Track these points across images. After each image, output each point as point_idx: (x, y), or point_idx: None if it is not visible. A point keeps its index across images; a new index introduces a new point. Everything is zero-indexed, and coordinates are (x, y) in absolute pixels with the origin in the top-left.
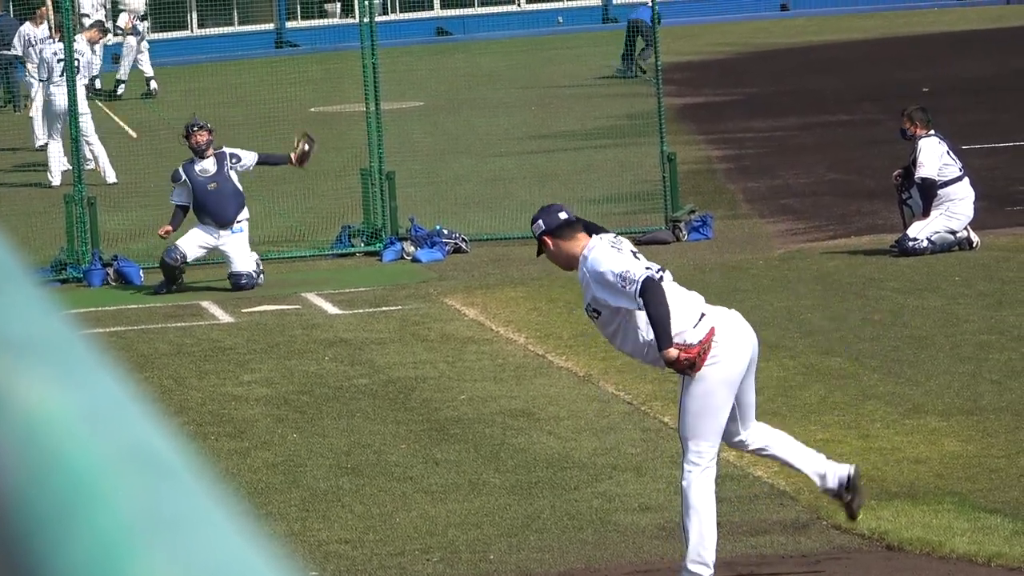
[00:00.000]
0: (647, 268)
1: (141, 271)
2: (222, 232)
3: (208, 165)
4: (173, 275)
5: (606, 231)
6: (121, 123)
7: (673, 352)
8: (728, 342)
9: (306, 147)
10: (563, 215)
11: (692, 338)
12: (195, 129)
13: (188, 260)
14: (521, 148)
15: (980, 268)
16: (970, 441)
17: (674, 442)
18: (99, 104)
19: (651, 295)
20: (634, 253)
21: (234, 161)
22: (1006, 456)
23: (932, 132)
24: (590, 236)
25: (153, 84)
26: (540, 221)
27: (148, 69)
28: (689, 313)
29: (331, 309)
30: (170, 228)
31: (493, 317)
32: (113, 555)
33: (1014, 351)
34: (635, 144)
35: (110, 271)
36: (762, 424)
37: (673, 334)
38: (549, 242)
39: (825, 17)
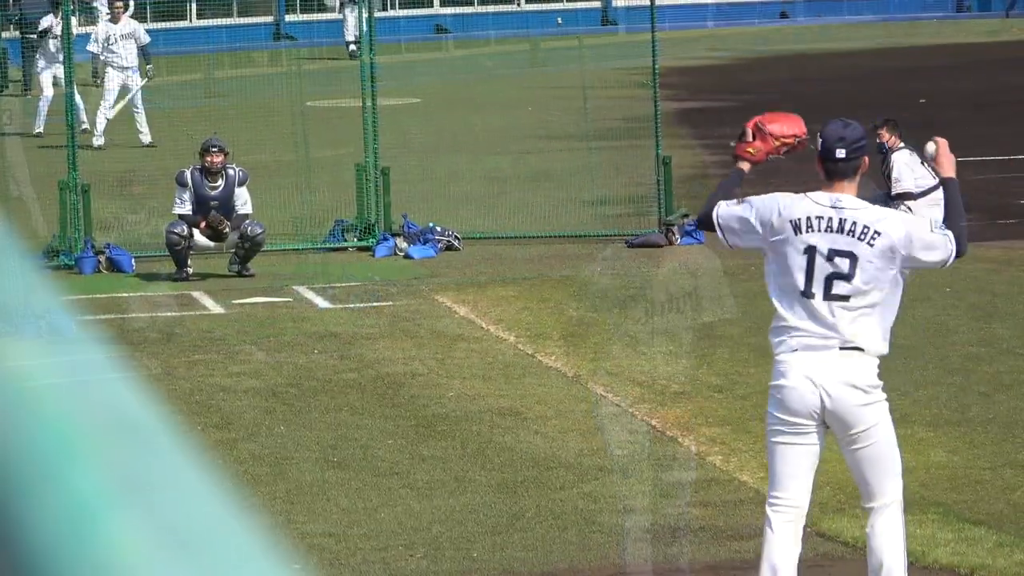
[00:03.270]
0: None
1: (133, 260)
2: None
3: (218, 181)
4: (180, 253)
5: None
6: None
7: None
8: None
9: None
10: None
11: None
12: (214, 150)
13: (193, 237)
14: (517, 148)
15: (971, 280)
16: (956, 452)
17: (661, 444)
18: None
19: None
20: None
21: (239, 187)
22: (992, 468)
23: (903, 145)
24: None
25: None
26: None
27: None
28: None
29: (322, 303)
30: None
31: (484, 315)
32: (87, 515)
33: (1003, 363)
34: (630, 147)
35: (102, 259)
36: None
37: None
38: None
39: (824, 26)
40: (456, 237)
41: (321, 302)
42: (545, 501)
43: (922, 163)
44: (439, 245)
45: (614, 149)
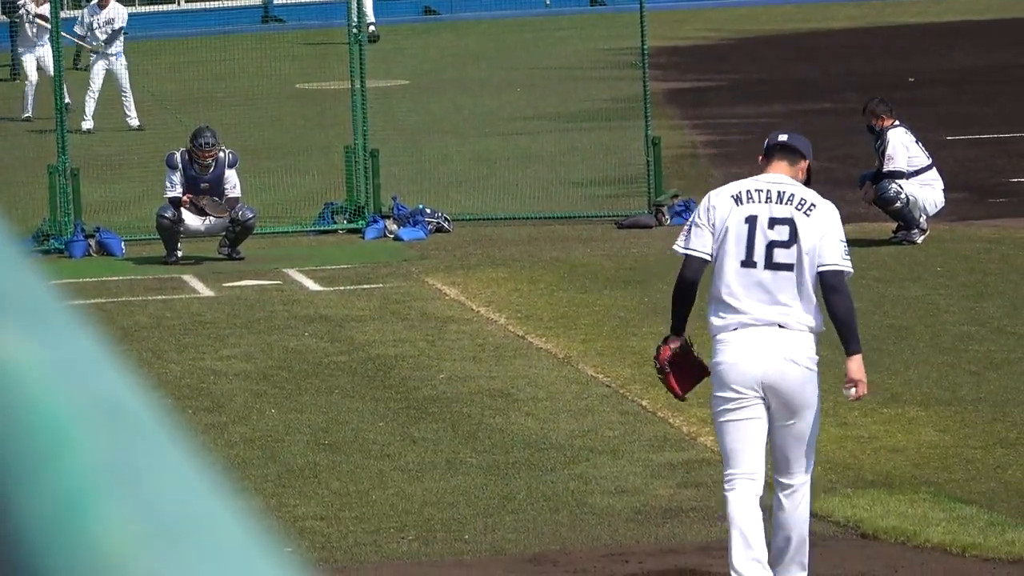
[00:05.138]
0: None
1: (123, 243)
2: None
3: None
4: (171, 237)
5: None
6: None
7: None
8: None
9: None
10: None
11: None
12: (208, 146)
13: (183, 220)
14: (506, 129)
15: (962, 259)
16: (947, 431)
17: (652, 425)
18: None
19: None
20: None
21: (229, 169)
22: (983, 447)
23: (897, 123)
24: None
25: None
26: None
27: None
28: None
29: (312, 285)
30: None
31: (474, 297)
32: (77, 503)
33: (993, 342)
34: (620, 128)
35: (92, 242)
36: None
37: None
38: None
39: (812, 5)
40: (446, 219)
41: (311, 285)
42: (536, 483)
43: (916, 142)
44: (429, 227)
45: (604, 130)
